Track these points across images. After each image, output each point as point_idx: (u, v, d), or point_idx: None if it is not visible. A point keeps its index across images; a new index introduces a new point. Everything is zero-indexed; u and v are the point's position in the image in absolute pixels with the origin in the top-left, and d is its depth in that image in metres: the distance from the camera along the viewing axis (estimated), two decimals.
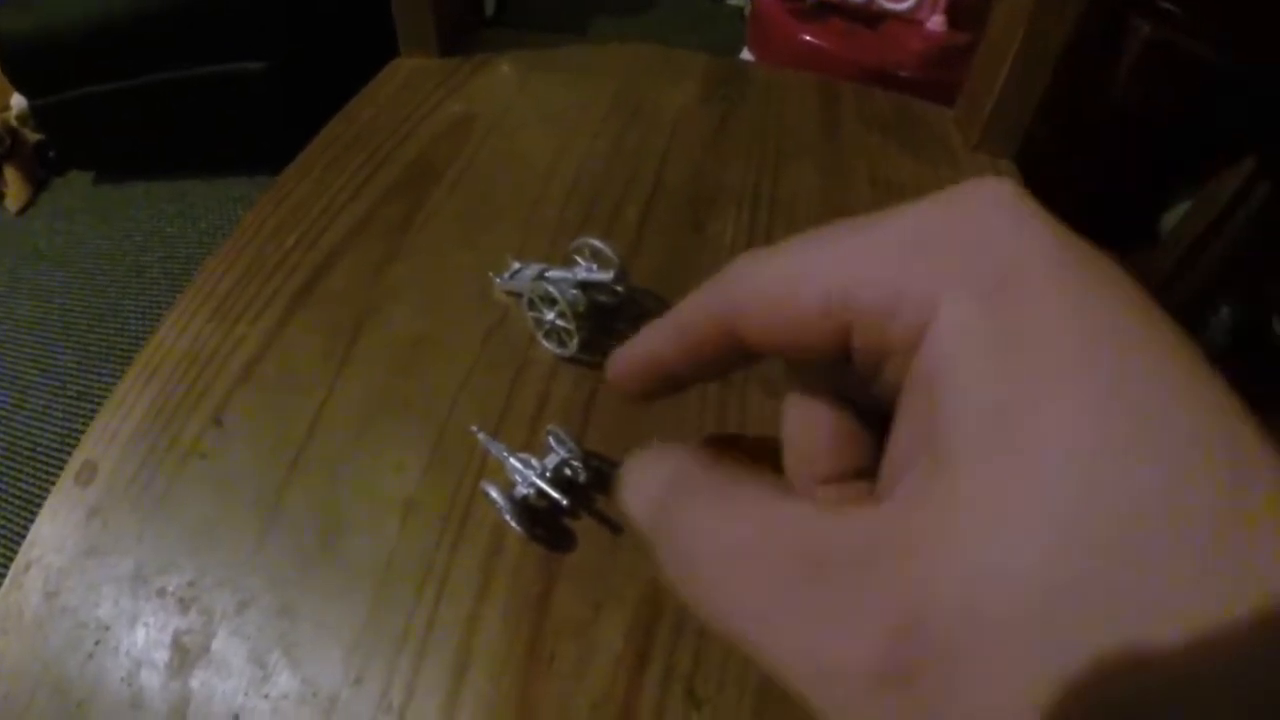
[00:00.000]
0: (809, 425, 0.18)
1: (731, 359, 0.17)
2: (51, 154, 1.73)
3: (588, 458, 0.31)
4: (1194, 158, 1.60)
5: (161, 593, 0.29)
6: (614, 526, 0.30)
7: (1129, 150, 1.62)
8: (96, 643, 0.28)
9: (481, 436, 0.33)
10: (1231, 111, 1.45)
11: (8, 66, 1.49)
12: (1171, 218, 1.66)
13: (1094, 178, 1.62)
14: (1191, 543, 0.10)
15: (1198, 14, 1.41)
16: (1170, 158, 1.68)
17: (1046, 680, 0.10)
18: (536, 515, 0.30)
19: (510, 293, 0.38)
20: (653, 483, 0.16)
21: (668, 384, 0.20)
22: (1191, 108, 1.53)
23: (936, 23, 1.15)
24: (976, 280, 0.13)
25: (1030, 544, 0.11)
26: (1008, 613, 0.11)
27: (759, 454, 0.20)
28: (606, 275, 0.33)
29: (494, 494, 0.29)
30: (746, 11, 2.11)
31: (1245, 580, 0.10)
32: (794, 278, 0.15)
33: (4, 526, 1.11)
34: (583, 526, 0.30)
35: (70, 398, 1.26)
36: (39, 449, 1.20)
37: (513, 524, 0.29)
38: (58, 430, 1.22)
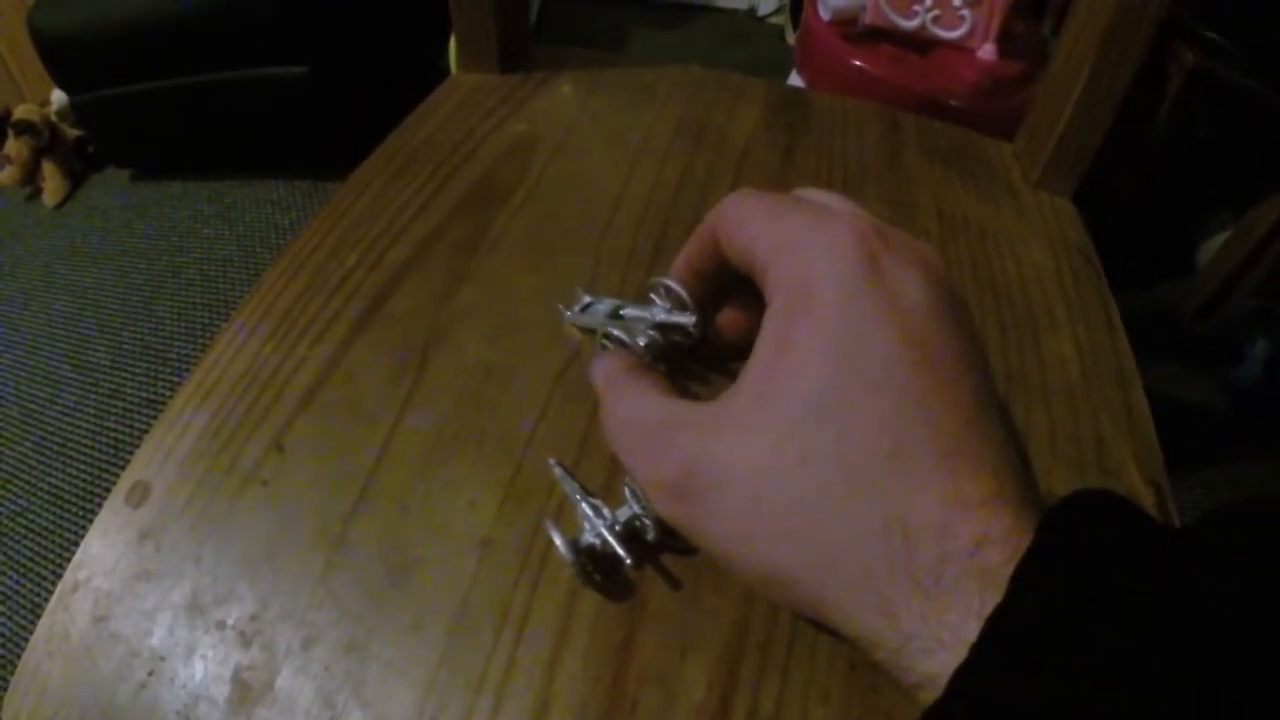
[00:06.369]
0: (687, 264, 0.31)
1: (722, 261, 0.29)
2: (90, 150, 1.75)
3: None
4: (1234, 187, 1.58)
5: (221, 625, 0.28)
6: (676, 584, 0.29)
7: (1168, 179, 1.60)
8: (150, 673, 0.27)
9: (559, 471, 0.32)
10: (1273, 141, 1.43)
11: (49, 61, 1.51)
12: (1209, 248, 1.64)
13: (1132, 206, 1.60)
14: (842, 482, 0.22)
15: (1241, 43, 1.39)
16: (1210, 187, 1.66)
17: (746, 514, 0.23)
18: (599, 561, 0.29)
19: (582, 327, 0.37)
20: (603, 374, 0.30)
21: (701, 281, 0.31)
22: (1233, 137, 1.51)
23: (987, 51, 1.14)
24: (793, 291, 0.24)
25: (757, 445, 0.23)
26: (735, 473, 0.23)
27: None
28: (686, 319, 0.32)
29: (556, 538, 0.28)
30: (786, 32, 2.10)
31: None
32: (734, 227, 0.27)
33: (33, 521, 1.11)
34: (660, 572, 0.29)
35: (103, 395, 1.27)
36: (70, 445, 1.20)
37: (571, 570, 0.28)
38: (89, 427, 1.22)
